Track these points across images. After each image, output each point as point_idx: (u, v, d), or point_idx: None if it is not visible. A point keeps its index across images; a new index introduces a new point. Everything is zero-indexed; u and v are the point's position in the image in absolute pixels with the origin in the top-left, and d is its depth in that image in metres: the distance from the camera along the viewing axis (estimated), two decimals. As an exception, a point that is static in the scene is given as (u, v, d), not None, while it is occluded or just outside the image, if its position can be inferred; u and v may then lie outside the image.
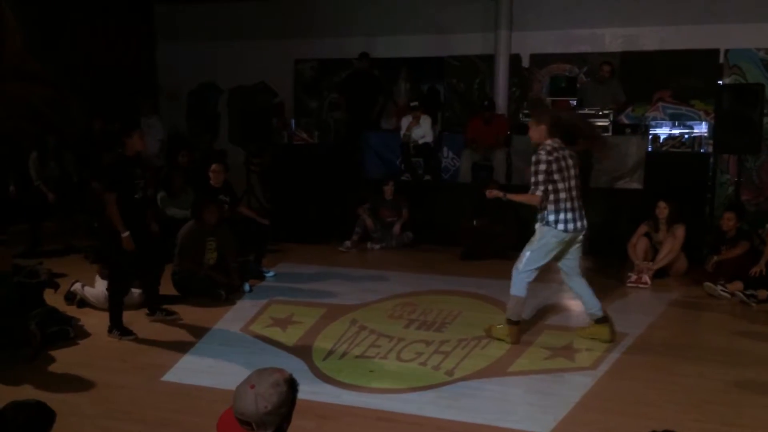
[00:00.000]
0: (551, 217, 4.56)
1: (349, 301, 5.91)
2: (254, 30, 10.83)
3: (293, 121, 9.73)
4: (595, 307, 4.86)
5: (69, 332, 4.94)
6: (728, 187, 8.81)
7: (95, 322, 5.34)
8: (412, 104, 8.99)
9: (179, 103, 11.40)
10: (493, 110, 8.90)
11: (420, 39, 10.14)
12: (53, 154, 8.15)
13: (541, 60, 9.79)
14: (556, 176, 4.51)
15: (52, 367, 4.42)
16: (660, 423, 3.06)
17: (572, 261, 4.78)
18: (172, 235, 6.19)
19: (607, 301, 6.06)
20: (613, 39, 9.45)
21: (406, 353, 4.69)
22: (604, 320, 4.86)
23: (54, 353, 4.61)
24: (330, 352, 4.70)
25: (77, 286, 5.79)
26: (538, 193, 4.51)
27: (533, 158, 4.57)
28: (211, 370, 4.39)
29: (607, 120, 8.34)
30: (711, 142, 7.80)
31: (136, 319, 5.33)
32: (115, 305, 5.04)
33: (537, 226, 4.67)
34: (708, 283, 6.17)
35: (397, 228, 8.22)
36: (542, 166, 4.50)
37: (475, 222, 7.79)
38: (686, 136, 7.87)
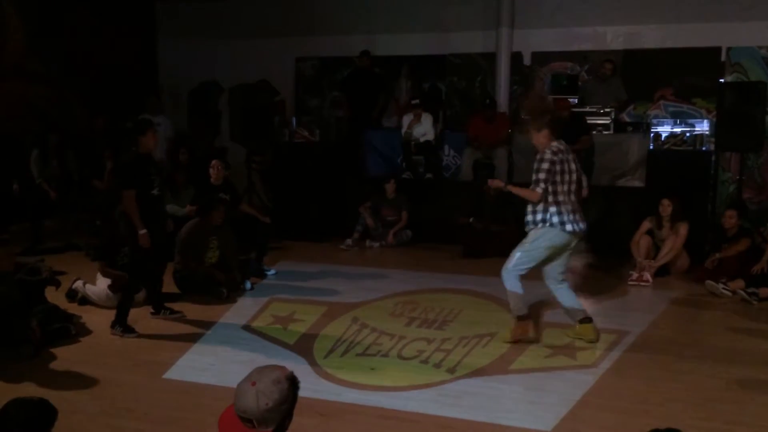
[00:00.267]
0: (555, 219, 4.54)
1: (351, 299, 5.91)
2: (255, 28, 10.81)
3: (294, 120, 9.72)
4: (577, 308, 4.85)
5: (71, 330, 4.95)
6: (730, 185, 8.79)
7: (97, 319, 5.35)
8: (413, 102, 8.99)
9: (180, 102, 11.39)
10: (495, 108, 8.89)
11: (421, 37, 10.12)
12: (54, 153, 8.16)
13: (542, 58, 9.76)
14: (557, 178, 4.52)
15: (54, 365, 4.43)
16: (662, 421, 3.05)
17: (559, 267, 4.77)
18: (172, 233, 6.18)
19: (609, 299, 6.07)
20: (614, 37, 9.42)
21: (408, 351, 4.69)
22: (588, 320, 4.85)
23: (55, 351, 4.62)
24: (331, 350, 4.70)
25: (79, 284, 5.79)
26: (539, 190, 4.51)
27: (538, 156, 4.57)
28: (212, 368, 4.39)
29: (608, 118, 8.34)
30: (712, 140, 7.80)
31: (138, 317, 5.34)
32: (126, 300, 5.07)
33: (530, 229, 4.66)
34: (709, 281, 6.16)
35: (390, 237, 8.21)
36: (545, 165, 4.50)
37: (471, 220, 7.78)
38: (688, 134, 7.86)
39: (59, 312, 5.07)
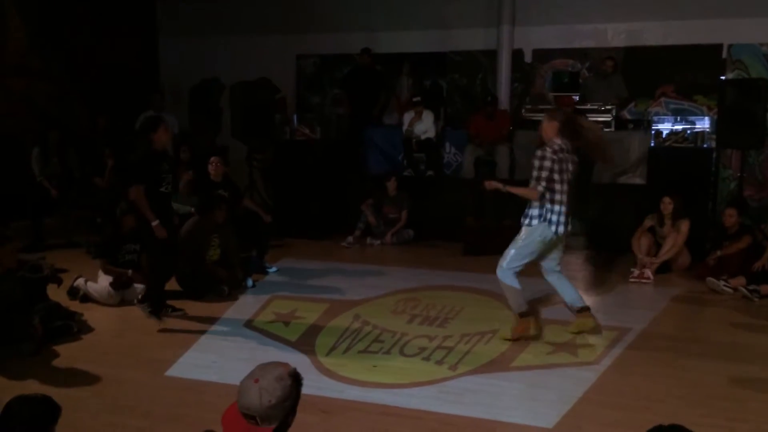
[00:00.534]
0: (553, 217, 4.57)
1: (352, 297, 5.91)
2: (256, 25, 10.81)
3: (295, 117, 9.72)
4: (576, 298, 4.89)
5: (73, 327, 4.95)
6: (730, 183, 8.80)
7: (98, 317, 5.36)
8: (414, 99, 8.98)
9: (181, 99, 11.39)
10: (496, 106, 8.89)
11: (422, 34, 10.12)
12: (55, 151, 8.16)
13: (543, 55, 9.76)
14: (555, 176, 4.54)
15: (56, 362, 4.43)
16: (663, 418, 3.04)
17: (553, 260, 4.83)
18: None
19: (610, 296, 6.08)
20: (615, 34, 9.42)
21: (410, 348, 4.70)
22: (585, 309, 4.89)
23: (58, 348, 4.62)
24: (333, 348, 4.71)
25: (80, 281, 5.80)
26: (540, 188, 4.53)
27: (538, 153, 4.57)
28: (214, 365, 4.40)
29: (609, 115, 8.34)
30: (713, 137, 7.79)
31: (141, 314, 5.34)
32: (155, 281, 5.14)
33: (524, 226, 4.67)
34: (710, 279, 6.17)
35: (388, 237, 8.21)
36: (547, 163, 4.51)
37: (469, 218, 7.78)
38: (689, 131, 7.86)
39: (61, 309, 5.07)
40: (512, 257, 4.69)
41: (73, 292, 5.77)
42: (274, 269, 6.86)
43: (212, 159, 7.09)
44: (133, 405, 3.79)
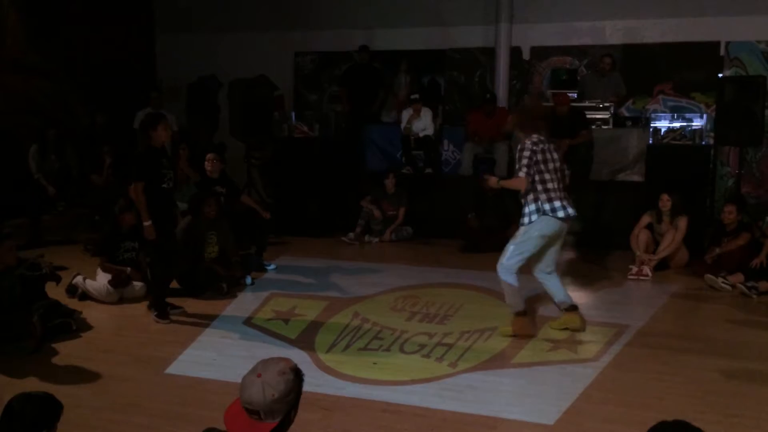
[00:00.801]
0: (547, 206, 4.58)
1: (351, 294, 5.91)
2: (254, 22, 10.79)
3: (293, 114, 9.70)
4: (564, 296, 4.90)
5: (72, 325, 4.94)
6: (729, 180, 8.82)
7: (97, 315, 5.35)
8: (412, 97, 8.97)
9: (179, 97, 11.37)
10: (495, 103, 8.88)
11: (420, 32, 10.11)
12: (53, 148, 8.15)
13: (541, 53, 9.77)
14: (542, 166, 4.57)
15: (56, 360, 4.43)
16: (662, 414, 3.04)
17: (550, 257, 4.81)
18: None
19: (609, 293, 6.09)
20: (613, 31, 9.42)
21: (409, 345, 4.70)
22: (573, 308, 4.89)
23: (57, 346, 4.62)
24: (333, 345, 4.71)
25: (78, 279, 5.79)
26: (522, 174, 4.55)
27: (519, 146, 4.66)
28: (214, 363, 4.40)
29: (607, 113, 8.34)
30: (711, 134, 7.81)
31: (140, 312, 5.34)
32: (157, 287, 5.16)
33: (522, 225, 4.67)
34: (709, 275, 6.18)
35: (387, 235, 8.21)
36: (526, 153, 4.57)
37: (469, 216, 7.79)
38: (687, 128, 7.87)
39: (60, 307, 5.05)
40: (512, 253, 4.69)
41: (72, 290, 5.76)
42: (272, 267, 6.86)
43: (209, 156, 7.06)
44: (133, 403, 3.79)
